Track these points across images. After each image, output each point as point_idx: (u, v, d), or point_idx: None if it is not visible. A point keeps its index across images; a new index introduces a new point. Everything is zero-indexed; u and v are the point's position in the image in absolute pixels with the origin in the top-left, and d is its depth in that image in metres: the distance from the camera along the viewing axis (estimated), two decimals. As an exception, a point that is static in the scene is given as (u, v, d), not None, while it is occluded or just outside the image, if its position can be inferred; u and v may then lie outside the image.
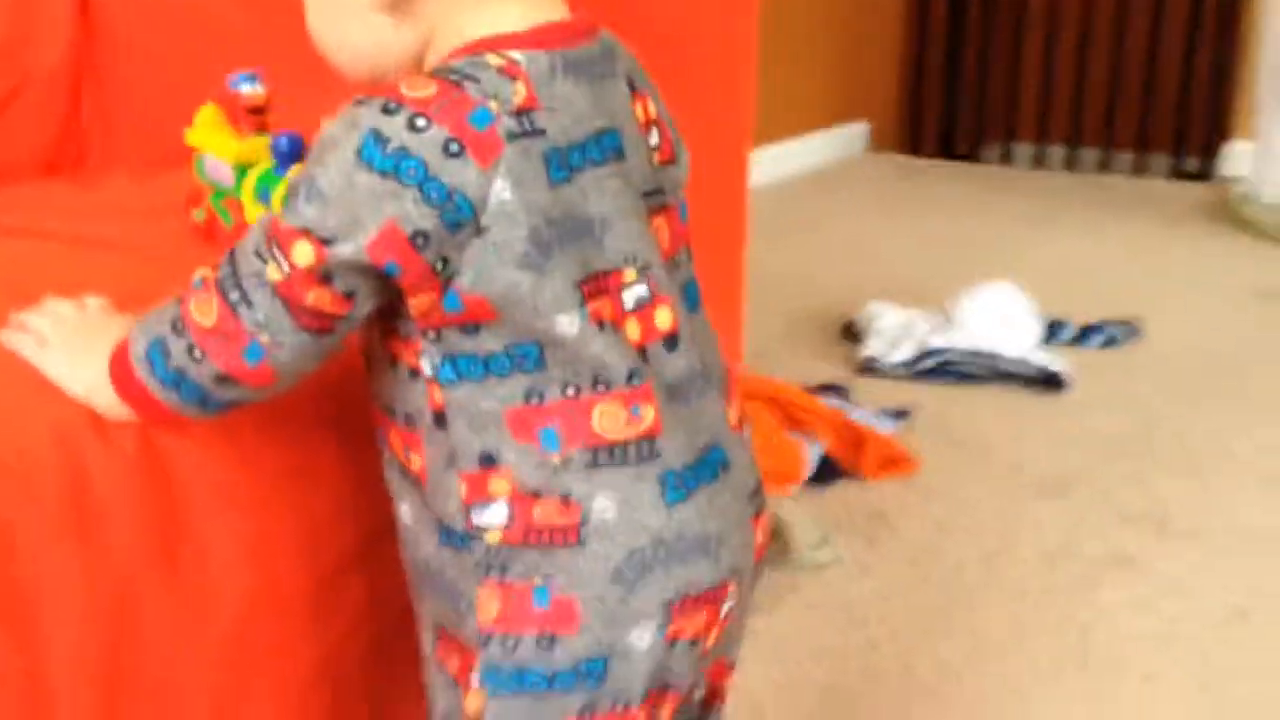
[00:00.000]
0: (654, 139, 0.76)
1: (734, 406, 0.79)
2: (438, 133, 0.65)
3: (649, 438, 0.72)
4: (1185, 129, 3.91)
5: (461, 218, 0.66)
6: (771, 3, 3.19)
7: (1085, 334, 2.32)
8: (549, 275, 0.68)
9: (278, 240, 0.67)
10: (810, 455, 1.74)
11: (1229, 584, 1.53)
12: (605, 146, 0.71)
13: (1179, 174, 3.90)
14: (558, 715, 0.73)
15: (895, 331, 2.23)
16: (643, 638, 0.72)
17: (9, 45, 1.30)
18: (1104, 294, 2.63)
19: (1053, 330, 2.31)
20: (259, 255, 0.68)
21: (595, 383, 0.71)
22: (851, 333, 2.33)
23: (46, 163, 1.33)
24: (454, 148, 0.65)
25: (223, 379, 0.71)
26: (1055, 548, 1.62)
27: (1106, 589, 1.52)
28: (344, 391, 0.81)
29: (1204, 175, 3.85)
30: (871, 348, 2.20)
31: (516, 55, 0.69)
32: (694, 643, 0.75)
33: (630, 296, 0.72)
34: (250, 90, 0.98)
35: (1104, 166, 4.02)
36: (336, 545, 0.87)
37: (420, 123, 0.65)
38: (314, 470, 0.85)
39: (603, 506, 0.71)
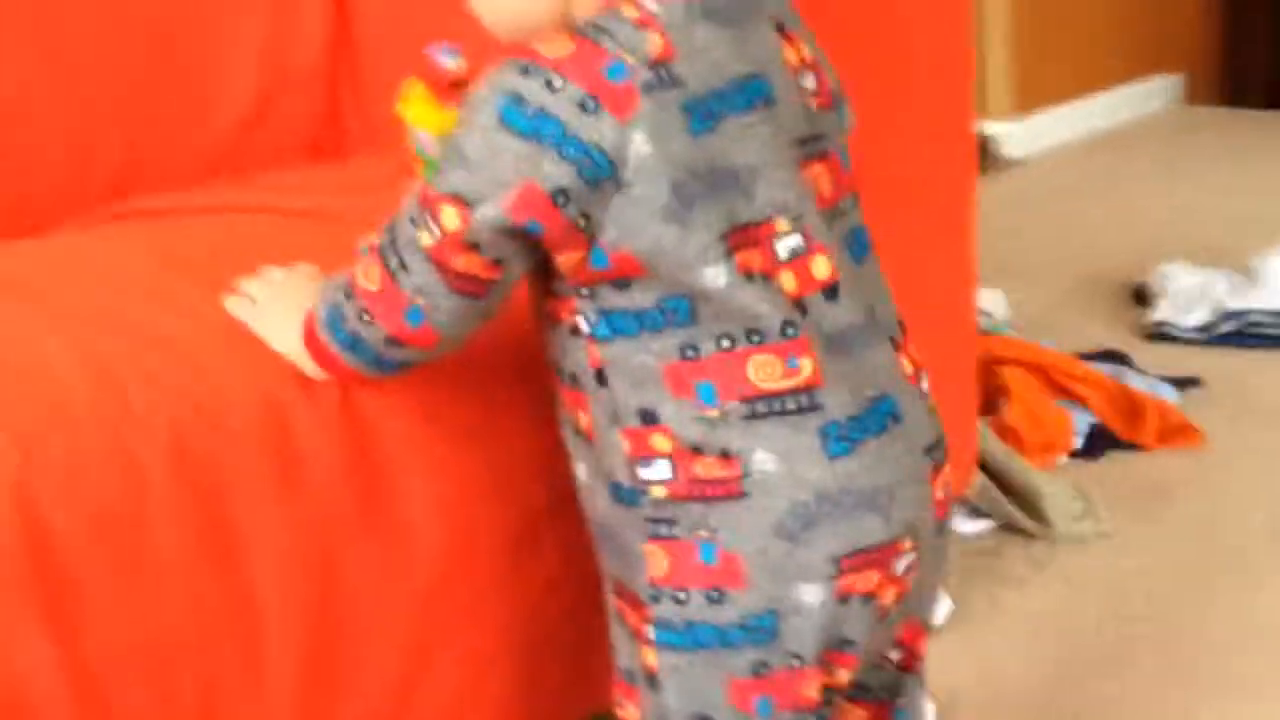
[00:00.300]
0: (809, 83, 0.74)
1: (907, 356, 0.77)
2: (574, 90, 0.67)
3: (808, 389, 0.71)
4: None
5: (600, 173, 0.67)
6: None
7: None
8: (693, 228, 0.68)
9: (429, 207, 0.70)
10: (1079, 424, 1.65)
11: None
12: (751, 93, 0.71)
13: None
14: (731, 670, 0.74)
15: (1190, 294, 2.07)
16: (813, 593, 0.72)
17: (272, 42, 1.40)
18: None
19: (1378, 291, 2.09)
20: (413, 222, 0.72)
21: (749, 334, 0.71)
22: (1143, 297, 2.18)
23: (309, 154, 1.43)
24: (590, 104, 0.66)
25: (390, 340, 0.75)
26: (1356, 527, 1.47)
27: None
28: (531, 350, 0.83)
29: None
30: (1162, 311, 2.05)
31: (651, 5, 0.69)
32: (868, 600, 0.73)
33: (784, 247, 0.72)
34: (452, 63, 1.02)
35: None
36: (529, 503, 0.90)
37: (557, 82, 0.67)
38: (505, 428, 0.88)
39: (763, 459, 0.71)
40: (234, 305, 0.85)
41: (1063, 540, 1.46)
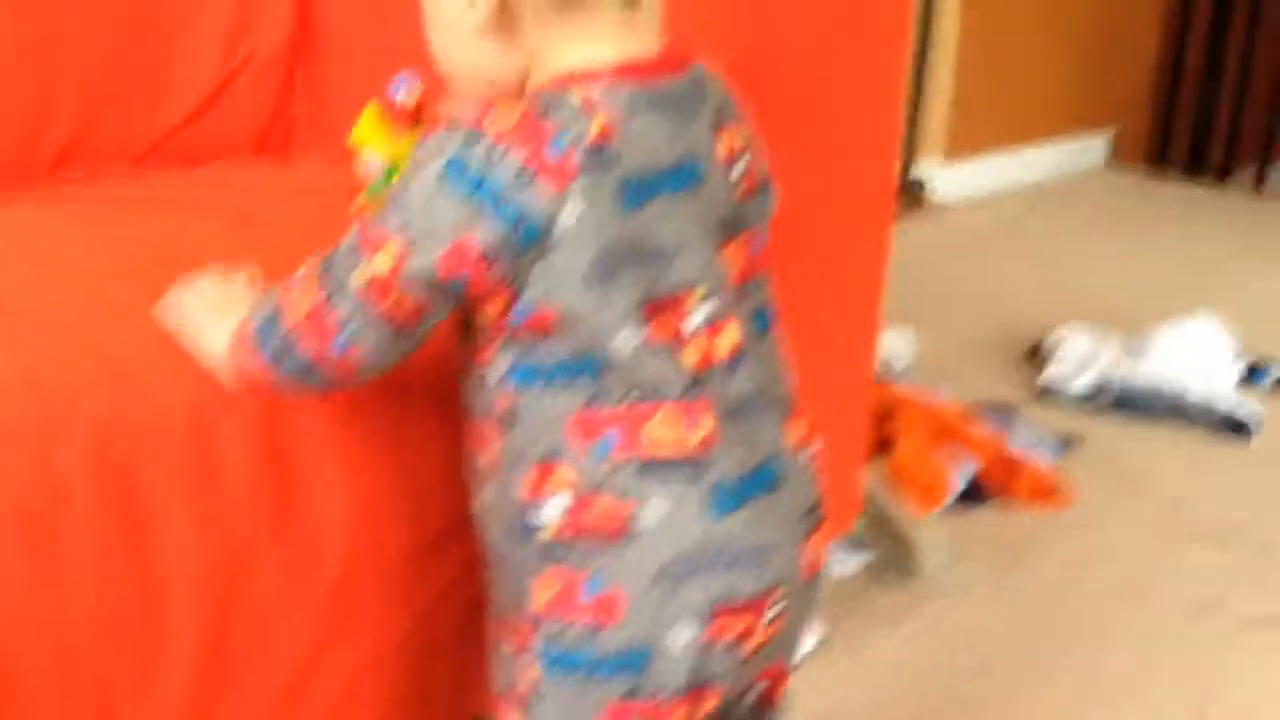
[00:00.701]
0: (737, 173, 0.80)
1: (795, 427, 0.83)
2: (513, 161, 0.71)
3: (703, 449, 0.77)
4: None
5: (530, 238, 0.72)
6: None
7: (1289, 380, 2.22)
8: (611, 296, 0.74)
9: (366, 246, 0.74)
10: (957, 477, 1.75)
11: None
12: (683, 177, 0.76)
13: None
14: (602, 697, 0.79)
15: (1080, 358, 2.18)
16: (682, 636, 0.77)
17: (236, 27, 1.43)
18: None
19: (1253, 373, 2.22)
20: (351, 255, 0.75)
21: (653, 392, 0.76)
22: (1037, 356, 2.30)
23: (256, 143, 1.46)
24: (527, 174, 0.71)
25: (315, 364, 0.78)
26: (1201, 599, 1.58)
27: (1245, 651, 1.48)
28: (442, 374, 0.87)
29: None
30: (1053, 373, 2.16)
31: (598, 91, 0.74)
32: (736, 644, 0.79)
33: (695, 319, 0.77)
34: (406, 93, 1.07)
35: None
36: (438, 514, 0.95)
37: (499, 151, 0.71)
38: (420, 441, 0.93)
39: (654, 509, 0.76)
40: (165, 312, 0.89)
41: (930, 586, 1.55)
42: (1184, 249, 3.16)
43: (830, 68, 1.21)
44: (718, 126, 0.79)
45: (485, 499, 0.83)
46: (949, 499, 1.73)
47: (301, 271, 0.79)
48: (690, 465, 0.77)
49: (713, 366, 0.78)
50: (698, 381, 0.77)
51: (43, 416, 0.79)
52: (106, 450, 0.80)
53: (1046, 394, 2.14)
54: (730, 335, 0.79)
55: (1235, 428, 2.01)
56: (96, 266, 0.96)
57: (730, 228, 0.80)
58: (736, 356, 0.79)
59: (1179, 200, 3.72)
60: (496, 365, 0.78)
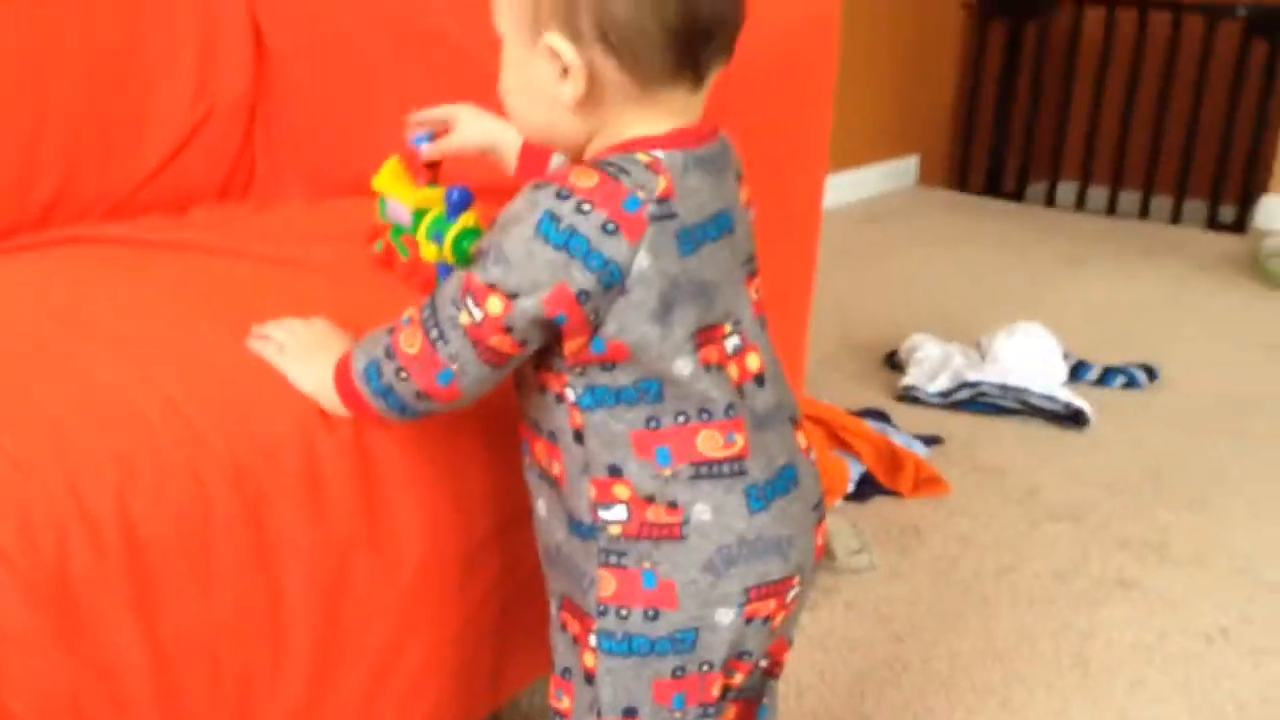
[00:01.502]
0: (751, 217, 0.95)
1: (802, 433, 0.98)
2: (598, 215, 0.82)
3: (739, 458, 0.90)
4: (1223, 178, 4.09)
5: (613, 281, 0.83)
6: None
7: (1107, 375, 2.52)
8: (671, 327, 0.86)
9: (472, 293, 0.85)
10: (852, 472, 1.96)
11: (1216, 605, 1.74)
12: (721, 225, 0.88)
13: (1215, 223, 4.08)
14: (655, 673, 0.91)
15: (934, 363, 2.44)
16: (726, 615, 0.91)
17: (201, 81, 1.53)
18: (1130, 336, 2.85)
19: (1077, 370, 2.52)
20: (454, 304, 0.86)
21: (700, 413, 0.88)
22: (894, 362, 2.55)
23: (221, 188, 1.56)
24: (610, 227, 0.82)
25: (420, 395, 0.91)
26: (1063, 566, 1.83)
27: (1106, 606, 1.73)
28: (491, 405, 1.00)
29: (1240, 226, 4.04)
30: (911, 377, 2.41)
31: (660, 154, 0.85)
32: (765, 622, 0.94)
33: (729, 345, 0.90)
34: (427, 148, 1.19)
35: (1144, 210, 4.22)
36: (481, 525, 1.09)
37: (585, 207, 0.82)
38: (466, 465, 1.07)
39: (701, 511, 0.89)
40: (259, 346, 1.00)
41: (843, 571, 1.76)
42: (999, 259, 3.50)
43: (771, 109, 1.40)
44: (739, 180, 0.94)
45: (547, 503, 0.95)
46: (846, 493, 1.94)
47: (406, 318, 0.91)
48: (729, 473, 0.89)
49: (745, 384, 0.91)
50: (736, 399, 0.89)
51: (192, 440, 0.90)
52: (241, 468, 0.91)
53: (906, 397, 2.39)
54: (755, 358, 0.92)
55: (1074, 418, 2.30)
56: (172, 304, 1.06)
57: (750, 265, 0.94)
58: (761, 376, 0.92)
59: (985, 215, 4.09)
60: (570, 389, 0.89)
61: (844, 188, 4.00)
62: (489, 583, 1.11)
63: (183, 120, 1.51)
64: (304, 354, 0.99)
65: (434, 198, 1.16)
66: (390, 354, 0.91)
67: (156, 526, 0.86)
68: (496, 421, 1.05)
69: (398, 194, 1.18)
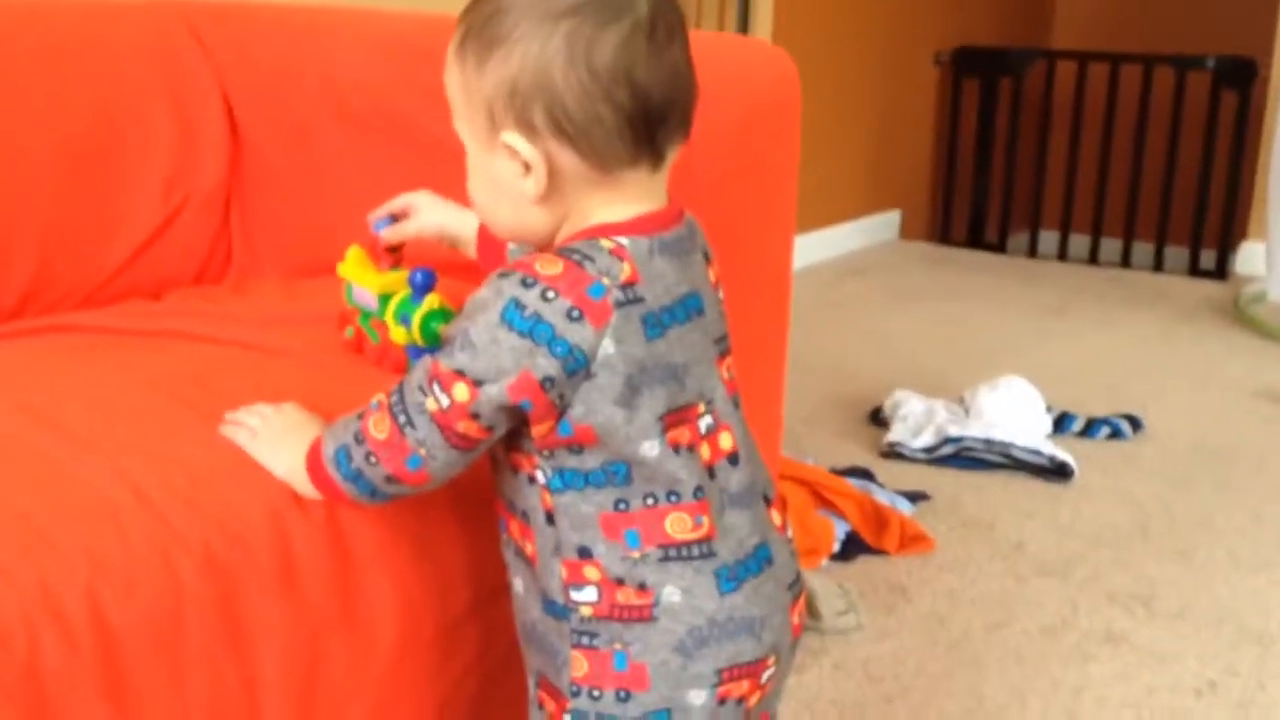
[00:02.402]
0: (720, 295, 0.96)
1: (778, 511, 0.98)
2: (563, 303, 0.83)
3: (708, 540, 0.90)
4: (1202, 225, 4.13)
5: (578, 367, 0.84)
6: (812, 100, 3.46)
7: (1092, 426, 2.53)
8: (638, 410, 0.86)
9: (439, 380, 0.86)
10: (838, 532, 1.97)
11: (1203, 658, 1.73)
12: (689, 307, 0.89)
13: (1197, 270, 4.12)
14: None
15: (918, 419, 2.45)
16: (698, 697, 0.90)
17: (175, 173, 1.55)
18: (1114, 386, 2.86)
19: (1062, 422, 2.53)
20: (421, 390, 0.87)
21: (669, 495, 0.88)
22: (878, 419, 2.56)
23: (197, 273, 1.58)
24: (575, 314, 0.83)
25: (390, 479, 0.91)
26: (1052, 622, 1.83)
27: (1095, 661, 1.73)
28: (464, 482, 1.00)
29: (1221, 272, 4.07)
30: (896, 434, 2.42)
31: (624, 240, 0.86)
32: (739, 703, 0.93)
33: (702, 425, 0.90)
34: (389, 232, 1.21)
35: (1126, 258, 4.25)
36: (458, 602, 1.09)
37: (550, 294, 0.83)
38: (441, 544, 1.07)
39: (670, 593, 0.89)
40: (231, 432, 1.01)
41: (829, 632, 1.75)
42: (982, 311, 3.53)
43: (736, 183, 1.42)
44: (707, 261, 0.95)
45: (524, 581, 0.96)
46: (832, 553, 1.94)
47: (375, 403, 0.92)
48: (699, 555, 0.89)
49: (717, 464, 0.91)
50: (705, 480, 0.89)
51: (163, 532, 0.90)
52: (213, 557, 0.92)
53: (891, 453, 2.39)
54: (728, 437, 0.92)
55: (1059, 471, 2.30)
56: (145, 393, 1.07)
57: (722, 344, 0.94)
58: (734, 455, 0.92)
59: (967, 267, 4.12)
60: (540, 472, 0.89)
61: (827, 243, 4.04)
62: (467, 661, 1.11)
63: (158, 209, 1.53)
64: (276, 439, 1.00)
65: (398, 281, 1.18)
66: (359, 439, 0.92)
67: (128, 619, 0.87)
68: (471, 497, 1.06)
69: (362, 280, 1.21)
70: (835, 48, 3.87)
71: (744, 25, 3.44)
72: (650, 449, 0.87)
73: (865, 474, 2.23)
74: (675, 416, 0.89)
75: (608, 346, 0.84)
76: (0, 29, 1.43)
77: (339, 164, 1.60)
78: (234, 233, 1.61)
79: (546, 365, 0.84)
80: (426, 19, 1.58)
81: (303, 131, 1.59)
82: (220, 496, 0.96)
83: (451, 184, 1.10)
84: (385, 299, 1.18)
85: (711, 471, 0.91)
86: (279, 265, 1.58)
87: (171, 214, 1.54)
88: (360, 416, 0.93)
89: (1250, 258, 4.05)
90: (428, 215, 1.21)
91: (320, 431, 0.98)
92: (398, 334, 1.16)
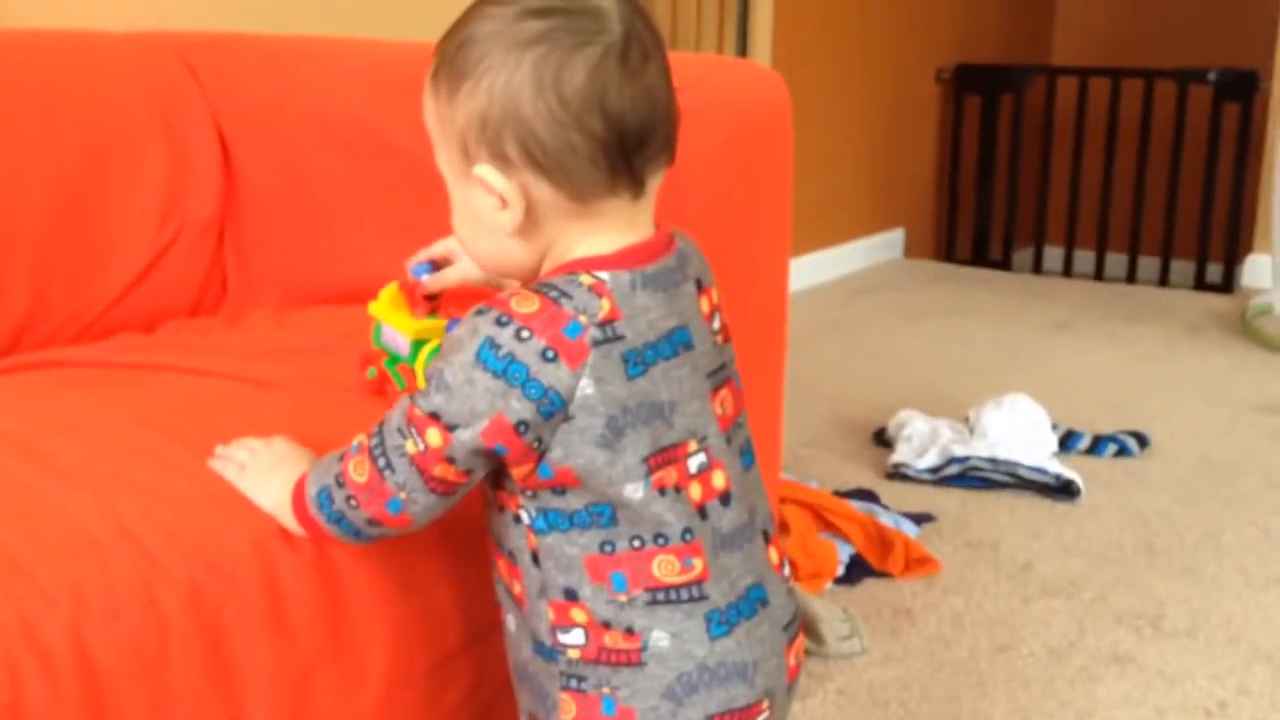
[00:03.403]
0: (716, 324, 0.93)
1: (776, 548, 0.95)
2: (538, 343, 0.81)
3: (699, 582, 0.87)
4: (1208, 239, 4.11)
5: (554, 409, 0.82)
6: (813, 119, 3.48)
7: (1098, 444, 2.51)
8: (621, 452, 0.83)
9: (414, 423, 0.84)
10: (841, 555, 1.95)
11: (1213, 678, 1.71)
12: (676, 342, 0.86)
13: (1203, 283, 4.10)
14: None
15: (922, 440, 2.43)
16: None
17: (168, 205, 1.55)
18: (1120, 402, 2.84)
19: (1068, 440, 2.51)
20: (400, 432, 0.86)
21: (656, 538, 0.86)
22: (882, 439, 2.54)
23: (192, 305, 1.57)
24: (550, 354, 0.81)
25: (371, 521, 0.90)
26: (1059, 643, 1.81)
27: (1103, 683, 1.71)
28: (454, 516, 0.98)
29: (1228, 285, 4.05)
30: (900, 454, 2.40)
31: (604, 275, 0.84)
32: None
33: (693, 464, 0.87)
34: (426, 278, 1.16)
35: (1131, 273, 4.23)
36: (451, 636, 1.08)
37: (525, 334, 0.81)
38: (431, 580, 1.06)
39: (659, 637, 0.87)
40: (220, 466, 1.00)
41: (833, 656, 1.73)
42: (987, 329, 3.51)
43: (729, 204, 1.42)
44: (701, 289, 0.91)
45: (516, 620, 0.94)
46: (836, 576, 1.93)
47: (355, 445, 0.90)
48: (689, 598, 0.87)
49: (708, 505, 0.88)
50: (696, 522, 0.87)
51: (147, 567, 0.89)
52: (198, 592, 0.91)
53: (895, 474, 2.38)
54: (721, 475, 0.89)
55: (1065, 489, 2.28)
56: (134, 428, 1.07)
57: (716, 376, 0.90)
58: (727, 495, 0.89)
59: (972, 284, 4.10)
60: (524, 512, 0.87)
61: (831, 263, 4.03)
62: (460, 697, 1.10)
63: (152, 240, 1.52)
64: (264, 474, 0.99)
65: (434, 329, 1.15)
66: (340, 482, 0.91)
67: (111, 656, 0.86)
68: (462, 529, 1.04)
69: (396, 323, 1.16)
70: (836, 67, 3.87)
71: (743, 46, 3.44)
72: (634, 491, 0.85)
73: (869, 496, 2.21)
74: (661, 457, 0.86)
75: (586, 387, 0.82)
76: (-8, 62, 1.44)
77: (332, 193, 1.60)
78: (228, 262, 1.61)
79: (520, 408, 0.82)
80: (418, 48, 1.56)
81: (295, 161, 1.59)
82: (206, 530, 0.95)
83: (445, 214, 1.09)
84: (418, 345, 1.14)
85: (703, 512, 0.88)
86: (274, 294, 1.58)
87: (166, 245, 1.54)
88: (341, 458, 0.91)
89: (1257, 271, 4.03)
90: (471, 261, 1.16)
91: (308, 466, 0.97)
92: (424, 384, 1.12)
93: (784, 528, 1.93)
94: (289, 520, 0.96)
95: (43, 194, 1.44)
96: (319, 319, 1.35)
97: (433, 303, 1.17)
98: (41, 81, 1.47)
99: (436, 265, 1.18)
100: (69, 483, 0.96)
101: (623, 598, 0.87)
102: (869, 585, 1.96)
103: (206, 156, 1.57)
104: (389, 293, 1.16)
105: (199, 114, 1.59)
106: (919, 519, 2.15)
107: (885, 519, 2.08)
